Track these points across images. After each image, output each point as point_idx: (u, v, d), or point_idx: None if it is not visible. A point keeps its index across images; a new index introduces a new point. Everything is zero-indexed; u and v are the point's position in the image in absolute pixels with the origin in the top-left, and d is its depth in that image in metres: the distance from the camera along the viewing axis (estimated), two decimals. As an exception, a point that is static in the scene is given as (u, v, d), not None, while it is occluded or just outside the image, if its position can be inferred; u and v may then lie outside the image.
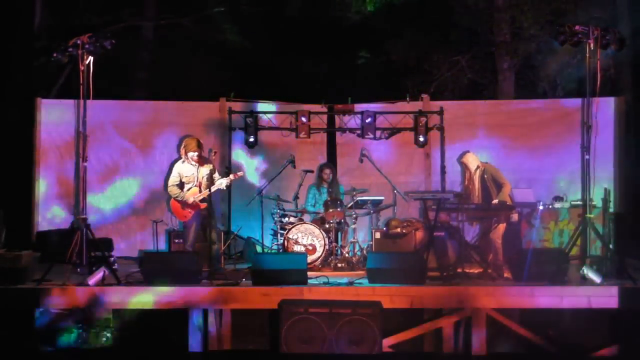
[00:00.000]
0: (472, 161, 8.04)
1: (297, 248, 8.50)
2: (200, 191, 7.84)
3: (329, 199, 9.02)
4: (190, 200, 7.86)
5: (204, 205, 7.84)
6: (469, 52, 12.68)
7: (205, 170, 7.93)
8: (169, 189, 8.03)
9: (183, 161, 7.98)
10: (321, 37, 13.67)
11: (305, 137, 9.71)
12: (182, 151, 7.95)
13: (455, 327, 7.14)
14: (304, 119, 9.54)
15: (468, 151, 8.28)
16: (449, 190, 8.92)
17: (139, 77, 12.83)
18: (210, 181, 7.85)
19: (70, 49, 7.26)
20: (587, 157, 7.42)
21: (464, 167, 8.10)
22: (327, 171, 9.44)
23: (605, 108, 9.62)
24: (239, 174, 8.37)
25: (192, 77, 12.97)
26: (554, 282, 6.91)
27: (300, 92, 10.88)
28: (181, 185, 8.00)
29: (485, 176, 7.92)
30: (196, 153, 7.86)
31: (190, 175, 7.94)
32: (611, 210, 9.37)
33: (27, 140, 9.89)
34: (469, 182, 8.00)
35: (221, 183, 7.99)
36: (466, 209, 7.70)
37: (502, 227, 7.84)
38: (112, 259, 8.05)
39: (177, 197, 7.96)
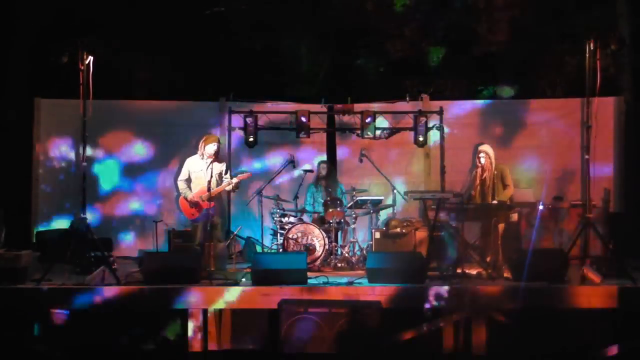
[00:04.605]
0: (492, 153, 7.98)
1: (297, 248, 8.49)
2: (208, 190, 7.75)
3: (328, 198, 9.02)
4: (195, 198, 7.84)
5: (212, 204, 7.81)
6: (470, 52, 12.66)
7: (218, 167, 7.97)
8: (178, 183, 8.10)
9: (200, 157, 7.97)
10: (321, 37, 13.65)
11: (305, 137, 9.71)
12: (201, 145, 7.97)
13: (455, 327, 7.14)
14: (304, 119, 9.53)
15: (483, 143, 8.17)
16: (449, 190, 8.92)
17: (139, 77, 12.81)
18: (221, 180, 7.94)
19: (71, 49, 7.27)
20: (587, 157, 7.42)
21: (483, 157, 7.92)
22: (323, 165, 9.46)
23: (605, 108, 9.61)
24: (246, 175, 8.33)
25: (192, 77, 12.95)
26: (554, 282, 6.91)
27: (300, 92, 10.87)
28: (189, 181, 8.01)
29: (495, 172, 7.91)
30: (214, 146, 7.89)
31: (199, 171, 7.93)
32: (611, 210, 9.39)
33: (27, 140, 9.89)
34: (482, 173, 7.92)
35: (229, 184, 7.99)
36: (466, 208, 7.69)
37: (501, 227, 7.83)
38: (112, 259, 8.05)
39: (183, 193, 7.98)
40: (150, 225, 9.47)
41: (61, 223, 9.65)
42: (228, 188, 8.06)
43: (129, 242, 10.00)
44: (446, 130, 9.76)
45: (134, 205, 10.12)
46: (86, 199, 7.46)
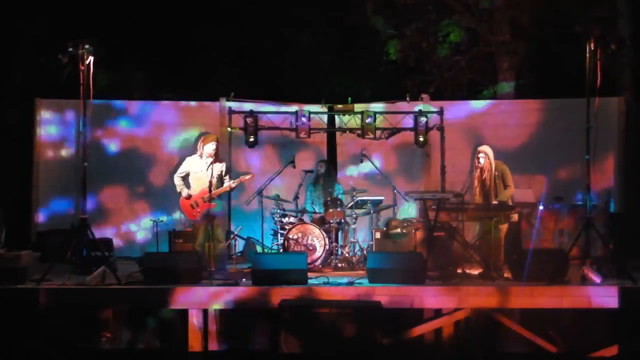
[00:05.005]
0: (491, 154, 7.98)
1: (297, 248, 8.49)
2: (210, 190, 7.72)
3: (329, 198, 9.02)
4: (195, 198, 7.85)
5: (213, 205, 7.81)
6: (469, 52, 12.67)
7: (218, 167, 7.94)
8: (174, 178, 8.06)
9: (199, 157, 7.95)
10: (321, 37, 13.68)
11: (305, 137, 9.70)
12: (200, 145, 7.96)
13: (455, 327, 7.14)
14: (304, 119, 9.52)
15: (482, 144, 8.19)
16: (449, 190, 8.92)
17: (139, 77, 12.83)
18: (220, 181, 7.91)
19: (70, 49, 7.27)
20: (587, 157, 7.42)
21: (482, 158, 7.93)
22: (321, 164, 9.49)
23: (606, 108, 9.59)
24: (249, 176, 8.33)
25: (192, 77, 12.98)
26: (554, 282, 6.91)
27: (300, 92, 10.87)
28: (186, 178, 8.00)
29: (496, 173, 7.90)
30: (213, 145, 7.86)
31: (199, 171, 7.92)
32: (611, 210, 9.39)
33: (27, 140, 9.89)
34: (482, 173, 7.92)
35: (229, 185, 7.99)
36: (466, 209, 7.69)
37: (504, 227, 7.82)
38: (112, 259, 8.05)
39: (179, 189, 7.96)
40: (151, 225, 9.49)
41: (61, 223, 9.65)
42: (228, 189, 8.07)
43: (129, 242, 9.99)
44: (446, 130, 9.74)
45: (135, 205, 10.12)
46: (86, 198, 7.46)
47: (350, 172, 10.27)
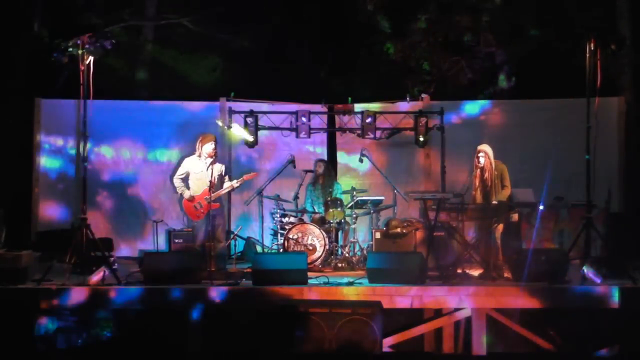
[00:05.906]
0: (491, 153, 7.98)
1: (297, 248, 8.49)
2: (210, 190, 7.66)
3: (329, 198, 9.02)
4: (197, 199, 7.84)
5: (216, 205, 7.81)
6: (469, 52, 12.67)
7: (218, 167, 7.94)
8: (174, 180, 8.05)
9: (198, 157, 7.94)
10: (321, 37, 13.66)
11: (305, 137, 9.70)
12: (198, 145, 7.94)
13: (455, 327, 7.15)
14: (304, 119, 9.52)
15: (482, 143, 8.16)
16: (449, 190, 8.91)
17: (139, 77, 12.82)
18: (220, 182, 7.92)
19: (70, 49, 7.27)
20: (587, 157, 7.42)
21: (482, 157, 7.88)
22: (319, 164, 9.47)
23: (606, 108, 9.59)
24: (252, 175, 8.30)
25: (192, 77, 12.96)
26: (554, 282, 6.91)
27: (300, 92, 10.87)
28: (186, 180, 7.99)
29: (495, 172, 7.90)
30: (212, 146, 7.84)
31: (199, 172, 7.90)
32: (611, 210, 9.39)
33: (27, 140, 9.89)
34: (482, 173, 7.90)
35: (231, 184, 7.99)
36: (466, 209, 7.68)
37: (500, 226, 7.82)
38: (112, 259, 8.04)
39: (180, 191, 7.95)
40: (151, 225, 9.50)
41: (61, 223, 9.65)
42: (231, 189, 8.07)
43: (129, 242, 9.99)
44: (446, 130, 9.73)
45: (134, 205, 10.11)
46: (86, 198, 7.46)
47: (350, 172, 10.27)
